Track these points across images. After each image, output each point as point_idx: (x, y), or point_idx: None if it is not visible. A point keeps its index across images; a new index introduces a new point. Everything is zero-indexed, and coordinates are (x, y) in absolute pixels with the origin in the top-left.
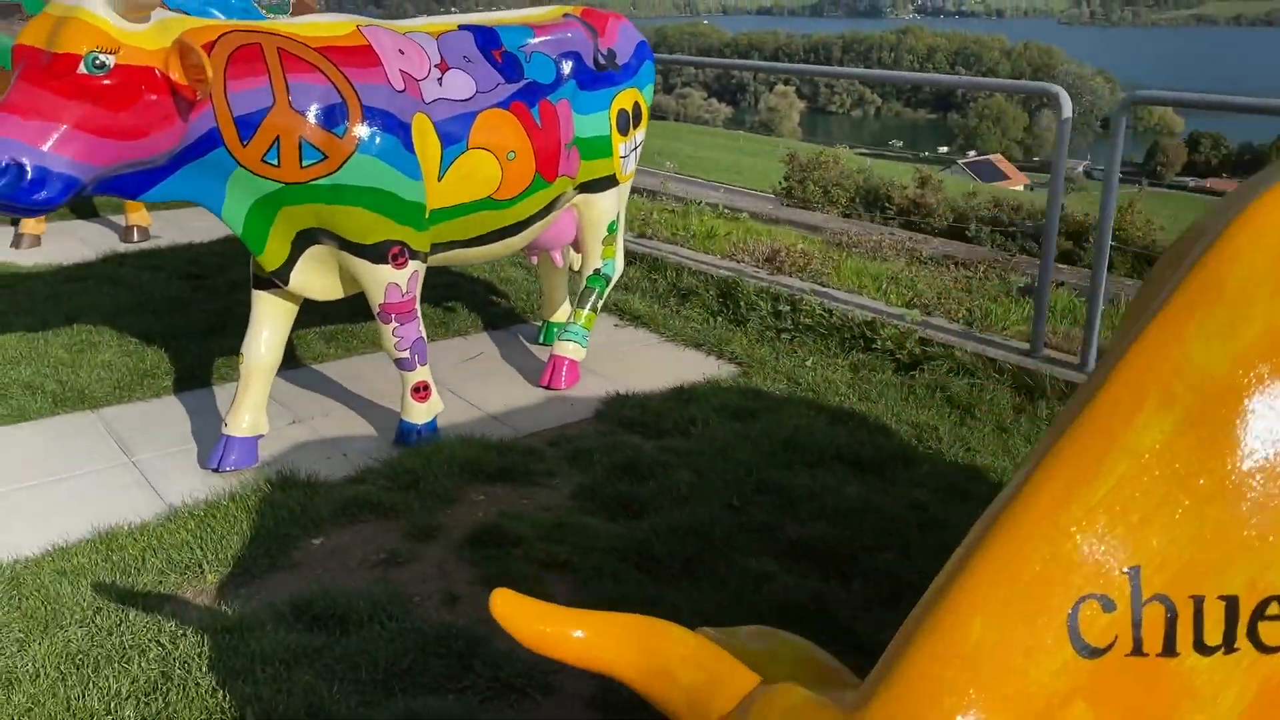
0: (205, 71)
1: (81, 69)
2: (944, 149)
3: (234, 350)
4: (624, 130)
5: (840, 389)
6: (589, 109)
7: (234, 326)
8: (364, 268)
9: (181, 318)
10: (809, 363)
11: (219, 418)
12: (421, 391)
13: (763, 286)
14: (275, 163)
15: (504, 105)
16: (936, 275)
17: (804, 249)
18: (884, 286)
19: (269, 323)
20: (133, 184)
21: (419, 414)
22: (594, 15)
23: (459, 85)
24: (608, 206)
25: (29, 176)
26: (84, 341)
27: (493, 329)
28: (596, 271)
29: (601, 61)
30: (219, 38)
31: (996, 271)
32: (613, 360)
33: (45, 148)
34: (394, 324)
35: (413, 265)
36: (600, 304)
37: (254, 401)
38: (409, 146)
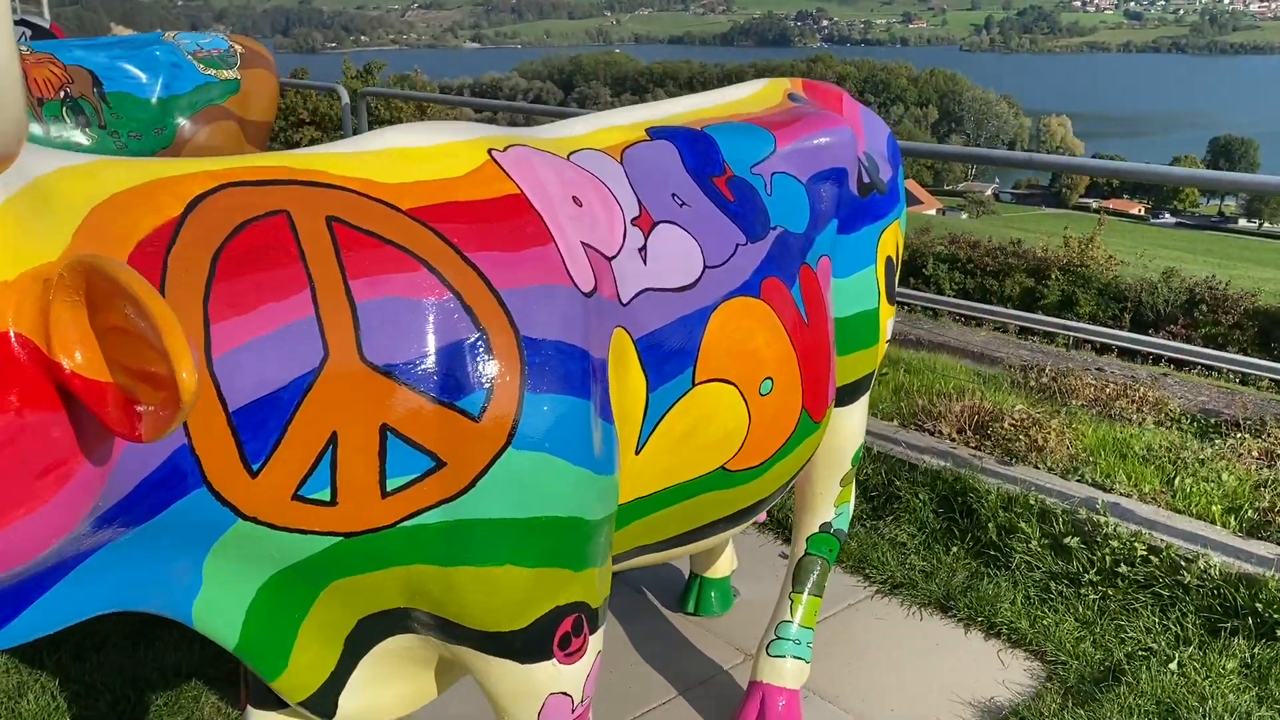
0: (171, 370)
1: None
2: None
3: (181, 672)
4: (892, 294)
5: None
6: (849, 266)
7: (164, 626)
8: (503, 673)
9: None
10: (1174, 665)
11: None
12: None
13: (1011, 493)
14: (326, 496)
15: (750, 289)
16: (1232, 455)
17: (1026, 412)
18: (1178, 480)
19: None
20: None
21: None
22: (821, 92)
23: (676, 259)
24: (857, 425)
25: None
26: None
27: None
28: (825, 528)
29: (865, 180)
30: (188, 209)
31: None
32: (816, 644)
33: None
34: None
35: (593, 646)
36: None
37: None
38: (607, 411)
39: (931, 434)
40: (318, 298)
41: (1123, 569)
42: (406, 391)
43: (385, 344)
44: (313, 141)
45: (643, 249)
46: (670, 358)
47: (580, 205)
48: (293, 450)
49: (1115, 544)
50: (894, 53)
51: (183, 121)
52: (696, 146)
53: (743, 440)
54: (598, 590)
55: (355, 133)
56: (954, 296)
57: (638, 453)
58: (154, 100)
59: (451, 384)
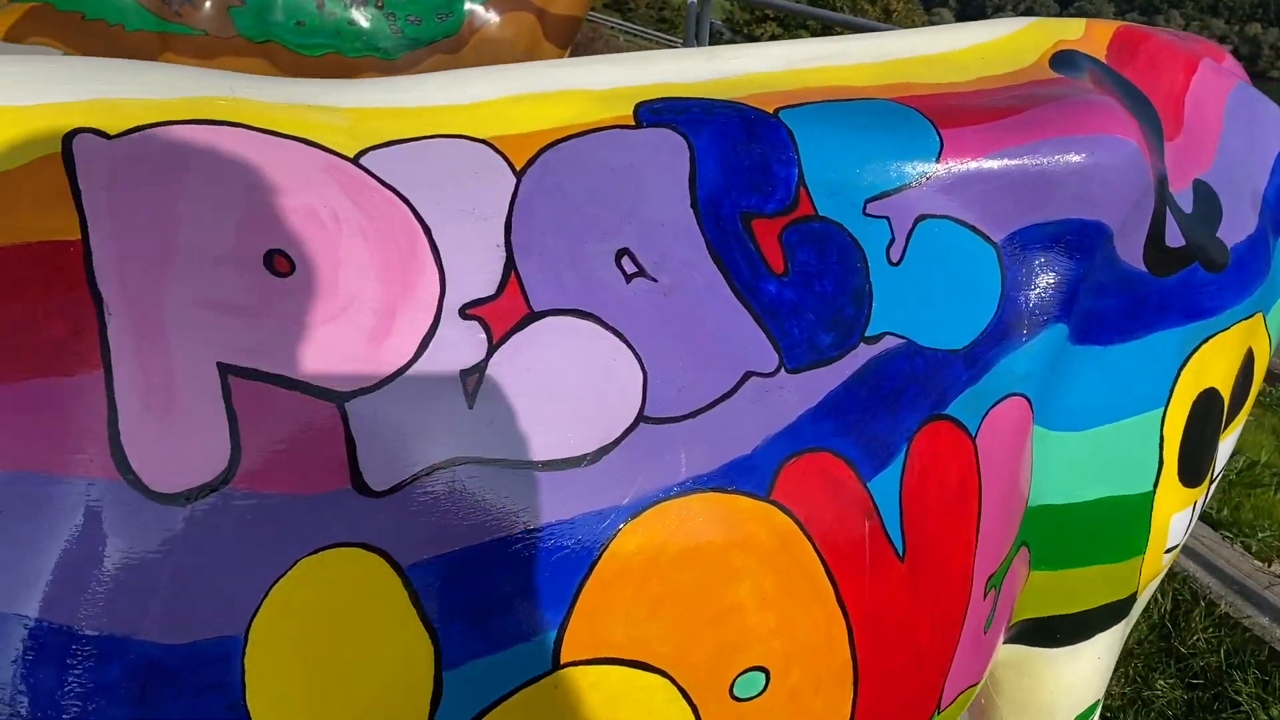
0: None
1: None
2: None
3: None
4: (1199, 467)
5: None
6: (1098, 408)
7: None
8: None
9: None
10: None
11: None
12: None
13: None
14: None
15: (749, 474)
16: None
17: None
18: None
19: None
20: None
21: None
22: (1154, 54)
23: (561, 395)
24: (1086, 677)
25: None
26: None
27: None
28: None
29: (1175, 243)
30: None
31: None
32: None
33: None
34: None
35: None
36: None
37: None
38: None
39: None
40: None
41: None
42: None
43: None
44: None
45: (475, 371)
46: (499, 607)
47: (285, 273)
48: None
49: None
50: None
51: (473, 7)
52: (738, 147)
53: None
54: None
55: (699, 43)
56: None
57: None
58: None
59: None
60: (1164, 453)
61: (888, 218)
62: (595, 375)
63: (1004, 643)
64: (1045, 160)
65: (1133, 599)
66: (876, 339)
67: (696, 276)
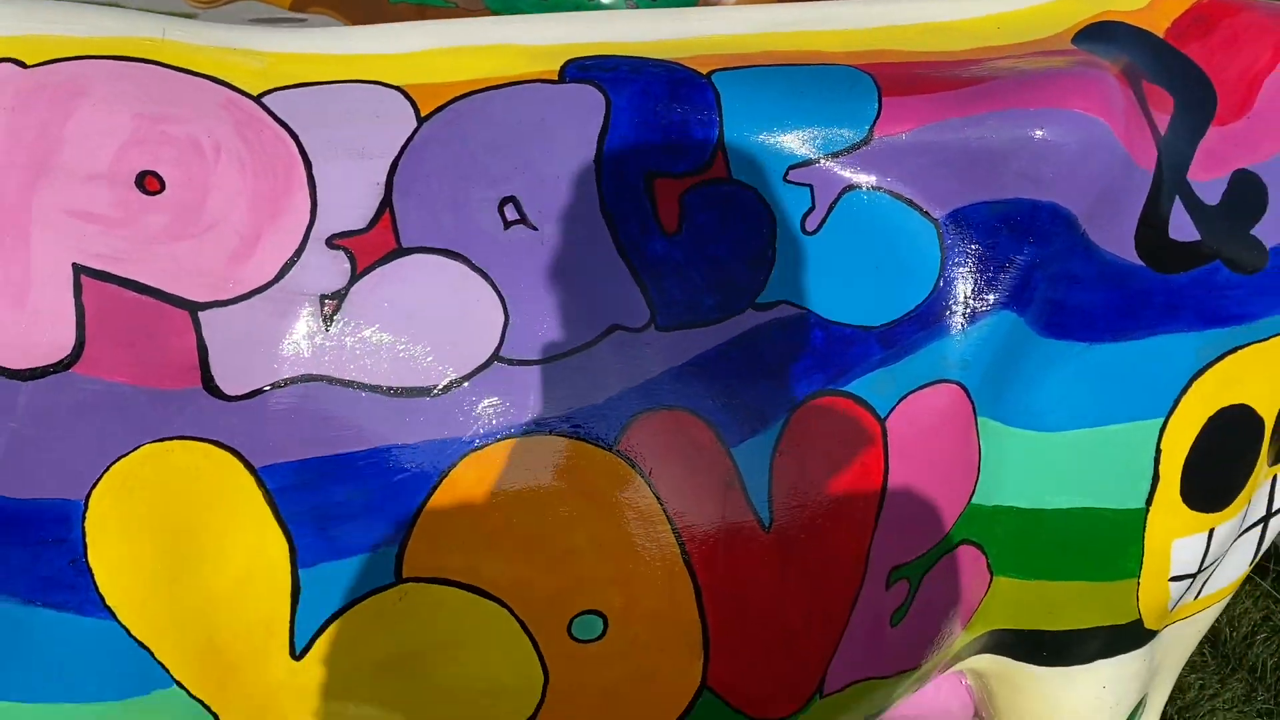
0: None
1: None
2: None
3: None
4: (1214, 493)
5: None
6: (1076, 408)
7: None
8: None
9: None
10: None
11: None
12: None
13: None
14: None
15: (597, 427)
16: None
17: None
18: None
19: None
20: None
21: None
22: (1229, 23)
23: (418, 331)
24: (1087, 707)
25: None
26: None
27: None
28: None
29: (1190, 238)
30: None
31: None
32: None
33: None
34: None
35: None
36: None
37: None
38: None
39: None
40: None
41: None
42: None
43: None
44: None
45: (335, 297)
46: (346, 517)
47: (155, 192)
48: None
49: None
50: None
51: None
52: (658, 107)
53: (535, 709)
54: None
55: None
56: None
57: (298, 656)
58: None
59: None
60: (1160, 468)
61: (811, 186)
62: (454, 312)
63: (982, 651)
64: (989, 134)
65: (1138, 629)
66: (769, 306)
67: (580, 229)
